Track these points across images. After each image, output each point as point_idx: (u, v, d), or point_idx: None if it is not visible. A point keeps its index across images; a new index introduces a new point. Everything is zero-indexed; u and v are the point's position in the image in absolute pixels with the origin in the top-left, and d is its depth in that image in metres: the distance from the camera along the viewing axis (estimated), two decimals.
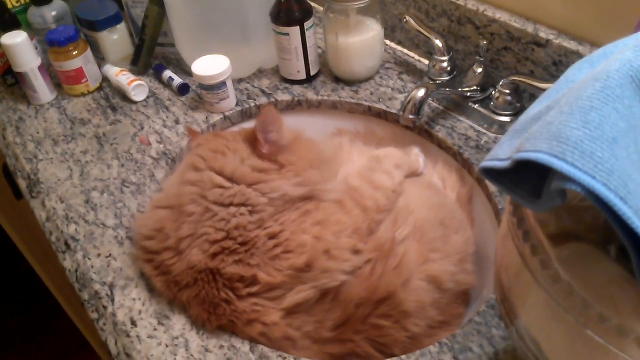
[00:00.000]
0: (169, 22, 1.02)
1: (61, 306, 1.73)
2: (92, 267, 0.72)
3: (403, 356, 0.60)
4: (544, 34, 0.80)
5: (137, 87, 0.99)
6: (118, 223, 0.77)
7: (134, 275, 0.70)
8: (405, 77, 0.99)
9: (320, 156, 0.71)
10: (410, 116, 0.82)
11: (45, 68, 1.01)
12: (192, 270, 0.61)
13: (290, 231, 0.61)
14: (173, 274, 0.62)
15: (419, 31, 0.92)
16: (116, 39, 1.06)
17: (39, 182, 0.86)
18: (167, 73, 1.03)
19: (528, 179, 0.36)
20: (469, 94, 0.87)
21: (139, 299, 0.67)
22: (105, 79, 1.05)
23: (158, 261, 0.64)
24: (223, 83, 0.92)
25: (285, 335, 0.60)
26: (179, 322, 0.64)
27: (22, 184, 0.89)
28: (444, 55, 0.92)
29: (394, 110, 0.92)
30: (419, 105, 0.81)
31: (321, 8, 1.12)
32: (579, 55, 0.76)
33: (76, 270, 0.73)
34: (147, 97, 1.01)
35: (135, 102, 1.00)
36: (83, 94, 1.03)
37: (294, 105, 0.98)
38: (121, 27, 1.06)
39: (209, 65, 0.92)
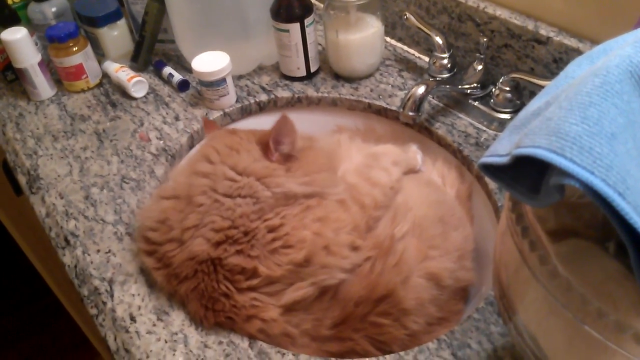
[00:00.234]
0: (169, 19, 1.02)
1: (61, 303, 1.73)
2: (91, 263, 0.72)
3: (402, 353, 0.60)
4: (544, 31, 0.80)
5: (137, 83, 0.99)
6: (118, 219, 0.77)
7: (134, 271, 0.70)
8: (406, 75, 0.99)
9: (331, 164, 0.72)
10: (410, 113, 0.82)
11: (46, 64, 1.01)
12: (192, 262, 0.61)
13: (291, 226, 0.62)
14: (173, 266, 0.62)
15: (420, 28, 0.92)
16: (116, 36, 1.06)
17: (38, 178, 0.86)
18: (167, 69, 1.03)
19: (527, 174, 0.36)
20: (469, 91, 0.87)
21: (139, 294, 0.67)
22: (105, 75, 1.05)
23: (160, 253, 0.64)
24: (223, 80, 0.92)
25: (285, 332, 0.60)
26: (178, 318, 0.64)
27: (22, 180, 0.89)
28: (445, 53, 0.92)
29: (394, 108, 0.92)
30: (419, 102, 0.81)
31: (322, 5, 1.12)
32: (579, 53, 0.76)
33: (76, 266, 0.73)
34: (147, 93, 1.01)
35: (135, 99, 1.00)
36: (83, 90, 1.03)
37: (294, 102, 0.98)
38: (121, 23, 1.06)
39: (209, 62, 0.92)
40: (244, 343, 0.61)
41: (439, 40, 0.91)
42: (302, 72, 0.98)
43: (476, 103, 0.89)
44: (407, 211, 0.70)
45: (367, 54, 0.96)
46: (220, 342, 0.62)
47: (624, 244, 0.31)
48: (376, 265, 0.63)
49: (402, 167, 0.78)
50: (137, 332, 0.64)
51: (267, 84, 1.00)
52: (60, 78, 1.02)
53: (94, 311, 0.69)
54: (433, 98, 0.92)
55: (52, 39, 0.97)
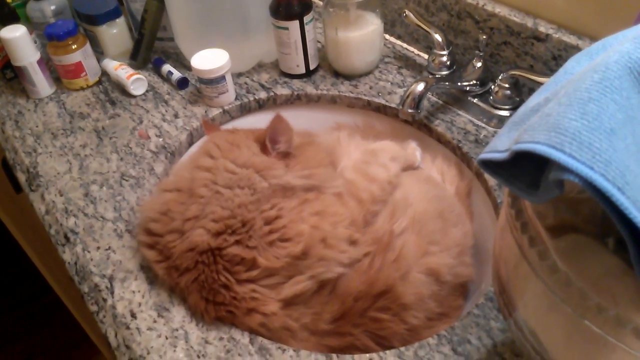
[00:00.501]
0: (168, 17, 1.02)
1: (61, 300, 1.73)
2: (91, 260, 0.72)
3: (402, 348, 0.60)
4: (543, 28, 0.80)
5: (136, 81, 0.99)
6: (117, 216, 0.77)
7: (134, 268, 0.70)
8: (405, 72, 0.99)
9: (329, 159, 0.74)
10: (410, 110, 0.82)
11: (45, 62, 1.01)
12: (193, 252, 0.62)
13: (288, 219, 0.62)
14: (174, 257, 0.63)
15: (419, 25, 0.92)
16: (115, 33, 1.06)
17: (38, 176, 0.86)
18: (167, 67, 1.03)
19: (526, 170, 0.37)
20: (468, 88, 0.88)
21: (139, 291, 0.68)
22: (104, 73, 1.05)
23: (161, 245, 0.64)
24: (222, 77, 0.92)
25: (285, 325, 0.60)
26: (178, 314, 0.65)
27: (22, 177, 0.89)
28: (444, 50, 0.92)
29: (393, 105, 0.92)
30: (419, 99, 0.81)
31: (321, 2, 1.12)
32: (578, 50, 0.76)
33: (76, 263, 0.73)
34: (146, 91, 1.01)
35: (134, 96, 1.00)
36: (82, 88, 1.03)
37: (294, 100, 0.98)
38: (120, 21, 1.06)
39: (208, 60, 0.92)
40: (244, 339, 0.62)
41: (438, 37, 0.91)
42: (302, 70, 0.98)
43: (475, 100, 0.89)
44: (407, 207, 0.70)
45: (367, 51, 0.96)
46: (221, 338, 0.62)
47: (623, 239, 0.31)
48: (375, 261, 0.64)
49: (401, 163, 0.78)
50: (137, 328, 0.64)
51: (266, 82, 1.00)
52: (60, 76, 1.02)
53: (94, 308, 0.69)
54: (432, 95, 0.92)
55: (51, 37, 0.97)
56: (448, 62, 0.93)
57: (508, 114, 0.85)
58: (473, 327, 0.61)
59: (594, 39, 0.76)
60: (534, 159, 0.33)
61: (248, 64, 1.03)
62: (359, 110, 0.96)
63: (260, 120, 0.94)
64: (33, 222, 1.17)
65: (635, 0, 0.70)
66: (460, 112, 0.89)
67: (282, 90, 0.97)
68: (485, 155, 0.39)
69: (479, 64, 0.87)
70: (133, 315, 0.65)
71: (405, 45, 1.05)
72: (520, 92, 0.85)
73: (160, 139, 0.90)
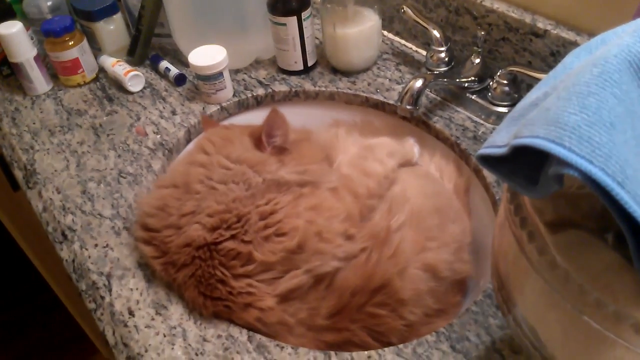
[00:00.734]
0: (165, 13, 1.01)
1: (59, 298, 1.73)
2: (89, 257, 0.72)
3: (400, 345, 0.60)
4: (542, 24, 0.80)
5: (133, 77, 0.99)
6: (115, 213, 0.77)
7: (132, 266, 0.70)
8: (403, 68, 0.98)
9: (325, 156, 0.74)
10: (408, 107, 0.82)
11: (41, 59, 1.01)
12: (189, 248, 0.62)
13: (283, 214, 0.62)
14: (171, 252, 0.63)
15: (417, 22, 0.92)
16: (112, 30, 1.05)
17: (35, 173, 0.85)
18: (164, 64, 1.02)
19: (525, 165, 0.36)
20: (466, 84, 0.87)
21: (137, 289, 0.67)
22: (101, 69, 1.05)
23: (158, 240, 0.65)
24: (220, 74, 0.92)
25: (282, 320, 0.60)
26: (176, 312, 0.64)
27: (19, 175, 0.88)
28: (442, 46, 0.92)
29: (391, 101, 0.92)
30: (417, 96, 0.81)
31: None
32: (577, 46, 0.75)
33: (73, 261, 0.73)
34: (144, 87, 1.00)
35: (131, 93, 0.99)
36: (79, 85, 1.03)
37: (291, 97, 0.98)
38: (118, 17, 1.05)
39: (206, 56, 0.91)
40: (242, 336, 0.61)
41: (436, 33, 0.91)
42: (300, 66, 0.98)
43: (474, 96, 0.88)
44: (404, 203, 0.70)
45: (365, 47, 0.96)
46: (219, 336, 0.62)
47: (623, 235, 0.31)
48: (372, 256, 0.64)
49: (398, 159, 0.78)
50: (135, 326, 0.64)
51: (264, 78, 1.00)
52: (57, 72, 1.02)
53: (92, 305, 0.68)
54: (431, 92, 0.92)
55: (47, 33, 0.97)
56: (446, 59, 0.92)
57: (506, 111, 0.85)
58: (471, 324, 0.61)
59: (592, 35, 0.76)
60: (533, 153, 0.33)
61: (246, 61, 1.02)
62: (357, 107, 0.96)
63: (258, 117, 0.94)
64: (30, 220, 1.17)
65: None
66: (458, 109, 0.88)
67: (280, 87, 0.97)
68: (484, 150, 0.39)
69: (477, 60, 0.86)
70: (131, 313, 0.65)
71: (403, 41, 1.05)
72: (519, 88, 0.85)
73: (158, 136, 0.89)
